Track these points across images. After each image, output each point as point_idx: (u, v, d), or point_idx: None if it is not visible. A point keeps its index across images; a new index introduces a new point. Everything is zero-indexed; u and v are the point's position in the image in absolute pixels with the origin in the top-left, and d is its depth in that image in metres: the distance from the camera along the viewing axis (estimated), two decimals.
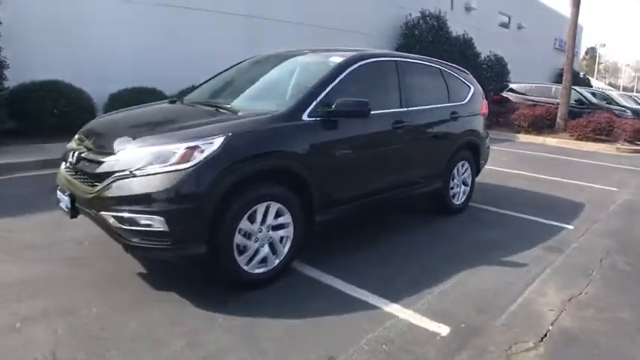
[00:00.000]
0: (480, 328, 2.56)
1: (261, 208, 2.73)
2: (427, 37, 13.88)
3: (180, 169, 2.46)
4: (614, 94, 17.22)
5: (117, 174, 2.53)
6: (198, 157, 2.49)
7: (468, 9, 17.54)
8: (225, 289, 2.80)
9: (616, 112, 13.26)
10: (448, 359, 2.26)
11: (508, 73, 16.94)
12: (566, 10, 15.31)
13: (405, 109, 3.81)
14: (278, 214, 2.84)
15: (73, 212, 2.75)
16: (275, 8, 10.65)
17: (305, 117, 2.98)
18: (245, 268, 2.74)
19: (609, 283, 3.29)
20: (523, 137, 12.11)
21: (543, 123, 12.55)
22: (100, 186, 2.57)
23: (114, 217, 2.50)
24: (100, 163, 2.64)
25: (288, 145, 2.88)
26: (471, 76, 5.05)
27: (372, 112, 3.19)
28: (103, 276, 2.92)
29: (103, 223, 2.59)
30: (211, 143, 2.53)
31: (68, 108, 6.96)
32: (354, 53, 3.58)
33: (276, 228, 2.86)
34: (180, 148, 2.49)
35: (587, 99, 14.40)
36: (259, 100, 3.44)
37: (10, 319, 2.38)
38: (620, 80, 60.73)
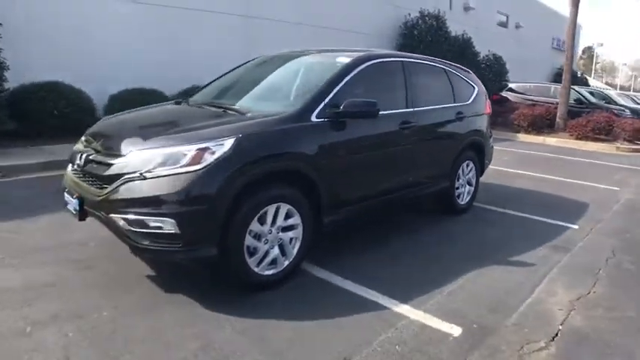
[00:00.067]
0: (492, 328, 2.56)
1: (271, 210, 2.73)
2: (426, 36, 13.89)
3: (191, 171, 2.44)
4: (613, 93, 17.28)
5: (126, 176, 2.51)
6: (209, 158, 2.48)
7: (466, 8, 17.56)
8: (233, 291, 2.79)
9: (615, 111, 13.31)
10: (461, 359, 2.26)
11: (507, 73, 16.97)
12: (564, 10, 15.41)
13: (412, 109, 3.81)
14: (288, 216, 2.83)
15: (82, 215, 2.74)
16: (274, 8, 10.64)
17: (314, 118, 2.97)
18: (255, 269, 2.73)
19: (616, 282, 3.30)
20: (523, 137, 12.14)
21: (543, 122, 12.59)
22: (109, 188, 2.56)
23: (124, 219, 2.49)
24: (110, 165, 2.62)
25: (297, 146, 2.87)
26: (474, 75, 5.07)
27: (379, 113, 3.19)
28: (110, 278, 2.91)
29: (112, 226, 2.58)
30: (222, 145, 2.52)
31: (68, 109, 6.93)
32: (361, 54, 3.58)
33: (285, 229, 2.85)
34: (190, 150, 2.48)
35: (586, 98, 14.45)
36: (267, 101, 3.43)
37: (20, 323, 2.37)
38: (617, 79, 61.00)
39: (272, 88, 3.69)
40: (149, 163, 2.50)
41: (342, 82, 3.21)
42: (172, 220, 2.41)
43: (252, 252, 2.70)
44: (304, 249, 2.97)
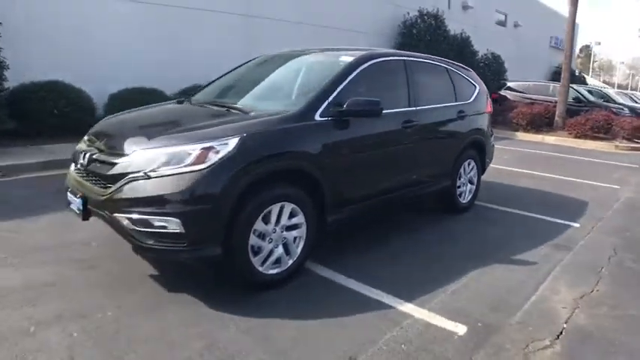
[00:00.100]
0: (496, 326, 2.56)
1: (275, 209, 2.72)
2: (425, 35, 13.90)
3: (196, 170, 2.44)
4: (611, 91, 17.35)
5: (131, 175, 2.51)
6: (213, 158, 2.47)
7: (465, 7, 17.58)
8: (237, 290, 2.79)
9: (614, 110, 13.34)
10: (467, 358, 2.27)
11: (505, 72, 17.00)
12: (562, 9, 15.42)
13: (414, 108, 3.81)
14: (292, 215, 2.83)
15: (85, 214, 2.73)
16: (274, 8, 10.63)
17: (317, 117, 2.97)
18: (259, 269, 2.73)
19: (618, 280, 3.31)
20: (521, 135, 12.16)
21: (542, 121, 12.61)
22: (113, 187, 2.55)
23: (128, 218, 2.48)
24: (113, 164, 2.61)
25: (301, 145, 2.86)
26: (475, 74, 5.07)
27: (382, 112, 3.18)
28: (113, 278, 2.90)
29: (116, 225, 2.57)
30: (226, 144, 2.52)
31: (68, 108, 6.91)
32: (364, 52, 3.57)
33: (289, 228, 2.85)
34: (195, 149, 2.48)
35: (584, 97, 14.48)
36: (270, 100, 3.43)
37: (24, 323, 2.36)
38: (615, 78, 61.14)
39: (274, 87, 3.68)
40: (153, 163, 2.49)
41: (346, 81, 3.21)
42: (177, 220, 2.41)
43: (257, 251, 2.70)
44: (308, 248, 2.96)
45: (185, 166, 2.45)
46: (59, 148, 6.19)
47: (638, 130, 11.35)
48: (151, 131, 2.80)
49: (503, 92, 15.35)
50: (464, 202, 4.72)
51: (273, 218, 2.74)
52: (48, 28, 7.31)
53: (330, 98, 3.06)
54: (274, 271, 2.81)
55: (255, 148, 2.61)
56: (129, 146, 2.64)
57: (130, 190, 2.48)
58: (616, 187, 6.56)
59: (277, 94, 3.54)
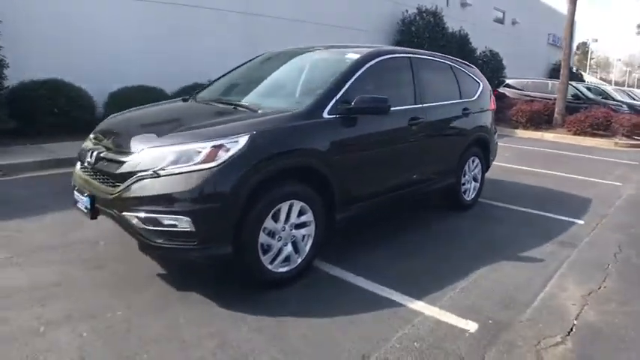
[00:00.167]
0: (507, 323, 2.56)
1: (284, 207, 2.71)
2: (424, 33, 13.88)
3: (206, 169, 2.42)
4: (609, 88, 17.39)
5: (139, 174, 2.48)
6: (224, 156, 2.45)
7: (463, 5, 17.58)
8: (245, 289, 2.77)
9: (612, 106, 13.38)
10: (479, 355, 2.26)
11: (504, 69, 17.01)
12: (560, 6, 15.43)
13: (420, 105, 3.80)
14: (301, 213, 2.81)
15: (93, 213, 2.70)
16: (273, 6, 10.59)
17: (325, 114, 2.96)
18: (269, 267, 2.71)
19: (625, 277, 3.32)
20: (521, 133, 12.18)
21: (541, 118, 12.63)
22: (122, 186, 2.52)
23: (137, 217, 2.46)
24: (122, 162, 2.59)
25: (310, 142, 2.85)
26: (479, 71, 5.06)
27: (390, 109, 3.17)
28: (120, 277, 2.88)
29: (125, 224, 2.54)
30: (236, 142, 2.50)
31: (68, 107, 6.88)
32: (370, 49, 3.56)
33: (298, 226, 2.84)
34: (205, 147, 2.46)
35: (583, 94, 14.52)
36: (276, 98, 3.41)
37: (33, 323, 2.34)
38: (612, 75, 61.35)
39: (280, 84, 3.66)
40: (162, 161, 2.47)
41: (353, 79, 3.19)
42: (187, 218, 2.39)
43: (266, 249, 2.69)
44: (317, 246, 2.95)
45: (195, 164, 2.43)
46: (59, 147, 6.15)
47: (638, 127, 11.40)
48: (158, 129, 2.78)
49: (502, 89, 15.38)
50: (468, 199, 4.72)
51: (283, 216, 2.72)
52: (48, 27, 7.25)
53: (338, 96, 3.05)
54: (283, 270, 2.80)
55: (265, 145, 2.60)
56: (137, 144, 2.62)
57: (139, 189, 2.46)
58: (618, 184, 6.58)
59: (283, 92, 3.52)
